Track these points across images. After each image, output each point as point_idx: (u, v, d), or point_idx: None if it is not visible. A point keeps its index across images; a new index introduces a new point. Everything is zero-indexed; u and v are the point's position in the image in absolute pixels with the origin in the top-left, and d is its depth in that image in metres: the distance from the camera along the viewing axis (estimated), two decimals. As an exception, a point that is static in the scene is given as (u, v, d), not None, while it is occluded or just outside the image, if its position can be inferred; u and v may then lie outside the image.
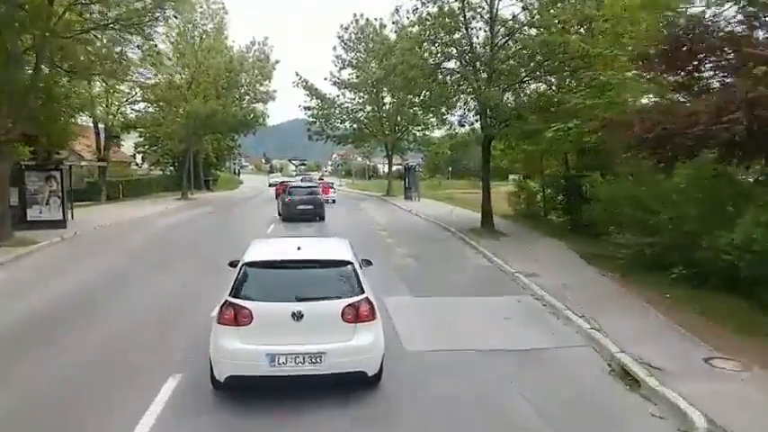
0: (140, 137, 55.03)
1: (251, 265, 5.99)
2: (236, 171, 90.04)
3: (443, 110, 19.74)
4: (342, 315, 5.63)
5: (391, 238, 18.46)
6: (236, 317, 5.53)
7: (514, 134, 18.20)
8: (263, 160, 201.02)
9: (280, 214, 25.26)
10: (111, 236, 19.29)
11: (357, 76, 40.55)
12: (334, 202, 37.95)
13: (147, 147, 55.70)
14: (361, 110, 42.91)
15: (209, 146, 53.57)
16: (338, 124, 43.37)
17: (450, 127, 20.03)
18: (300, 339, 5.49)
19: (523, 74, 17.25)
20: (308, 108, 41.86)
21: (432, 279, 11.87)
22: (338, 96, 42.31)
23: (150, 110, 40.19)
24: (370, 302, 5.80)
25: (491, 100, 16.77)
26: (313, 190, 25.97)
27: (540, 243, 16.44)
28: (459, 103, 18.66)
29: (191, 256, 14.97)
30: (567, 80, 16.28)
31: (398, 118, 41.61)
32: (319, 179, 50.33)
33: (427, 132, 41.95)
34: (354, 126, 43.67)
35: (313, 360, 5.46)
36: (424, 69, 17.73)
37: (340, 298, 5.73)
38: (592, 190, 15.76)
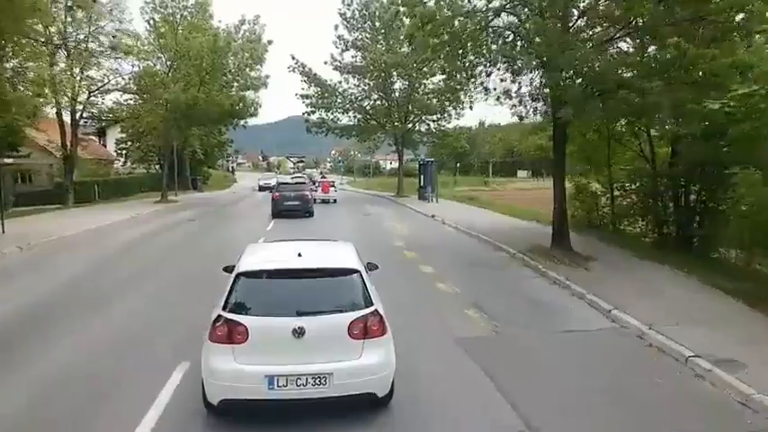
0: (122, 132, 49.88)
1: (246, 275, 5.25)
2: (230, 168, 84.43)
3: (501, 78, 14.04)
4: (349, 331, 4.95)
5: (425, 264, 13.16)
6: (229, 334, 4.87)
7: (616, 111, 12.79)
8: (261, 157, 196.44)
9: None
10: (31, 262, 13.97)
11: (363, 58, 35.15)
12: (335, 201, 33.12)
13: (129, 143, 50.46)
14: (366, 98, 37.51)
15: (197, 141, 48.20)
16: (340, 115, 38.05)
17: (513, 106, 14.25)
18: (303, 359, 4.86)
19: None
20: (306, 97, 36.49)
21: (534, 375, 6.38)
22: (340, 83, 36.97)
23: (128, 100, 34.91)
24: (379, 315, 5.11)
25: (584, 62, 11.33)
26: (300, 186, 26.41)
27: (652, 275, 11.14)
28: (524, 69, 13.05)
29: (129, 310, 9.63)
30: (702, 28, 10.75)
31: (410, 107, 36.26)
32: (321, 176, 45.26)
33: (442, 123, 36.67)
34: (359, 117, 38.29)
35: (317, 382, 4.83)
36: (475, 18, 12.32)
37: (346, 311, 5.03)
38: (740, 191, 10.46)
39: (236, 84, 33.93)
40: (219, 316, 4.99)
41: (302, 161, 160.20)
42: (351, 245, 6.50)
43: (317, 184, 38.13)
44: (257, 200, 38.81)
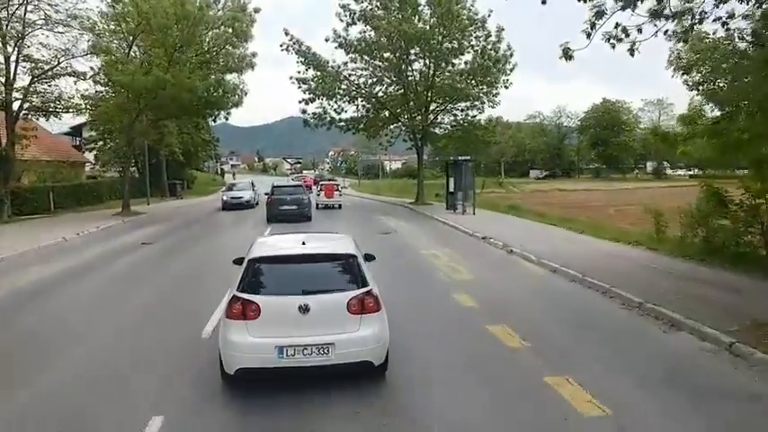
0: (92, 130, 42.85)
1: (257, 260, 5.97)
2: (219, 171, 77.07)
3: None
4: (347, 307, 5.63)
5: (562, 374, 6.05)
6: (244, 311, 5.55)
7: None
8: (256, 158, 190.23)
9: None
10: None
11: (374, 30, 28.05)
12: (339, 207, 29.36)
13: (99, 142, 43.30)
14: (377, 83, 30.44)
15: (175, 138, 41.10)
16: (345, 104, 30.96)
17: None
18: (308, 331, 5.49)
19: None
20: (303, 81, 29.37)
21: None
22: (345, 64, 29.88)
23: (82, 86, 28.02)
24: (374, 294, 5.80)
25: None
26: (297, 190, 25.87)
27: None
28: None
29: None
30: None
31: (430, 94, 29.22)
32: (329, 179, 38.44)
33: (472, 113, 29.65)
34: (368, 106, 31.22)
35: (321, 351, 5.48)
36: None
37: (345, 290, 5.74)
38: None
39: (214, 66, 26.79)
40: (235, 296, 5.65)
41: (299, 162, 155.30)
42: (350, 237, 7.24)
43: (318, 187, 31.91)
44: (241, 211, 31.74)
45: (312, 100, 29.43)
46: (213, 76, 25.51)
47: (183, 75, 24.36)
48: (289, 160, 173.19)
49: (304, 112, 30.31)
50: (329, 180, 41.95)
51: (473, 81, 27.00)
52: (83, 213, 30.25)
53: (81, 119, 35.30)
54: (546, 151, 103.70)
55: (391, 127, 32.36)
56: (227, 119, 30.85)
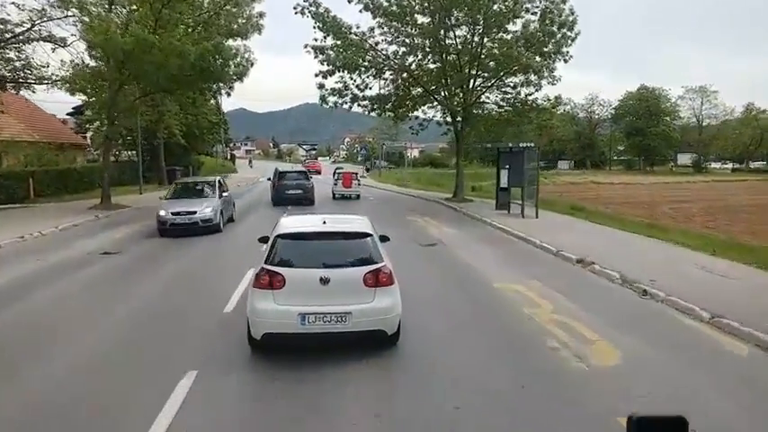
0: (87, 109, 38.31)
1: (283, 237, 6.51)
2: (229, 156, 72.20)
3: None
4: (363, 280, 6.12)
5: None
6: (270, 281, 6.05)
7: None
8: (272, 144, 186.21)
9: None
10: None
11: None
12: (358, 197, 27.57)
13: (93, 122, 38.66)
14: (410, 53, 25.16)
15: (175, 120, 36.26)
16: (370, 78, 25.77)
17: None
18: (327, 301, 6.00)
19: None
20: (320, 50, 24.18)
21: None
22: (372, 31, 24.66)
23: (66, 55, 23.21)
24: (388, 269, 6.28)
25: None
26: (301, 175, 26.59)
27: None
28: None
29: None
30: None
31: (473, 67, 23.90)
32: (352, 172, 34.12)
33: (528, 90, 24.25)
34: (399, 81, 26.00)
35: (339, 319, 5.97)
36: None
37: (361, 265, 6.23)
38: None
39: (212, 28, 21.71)
40: (262, 268, 6.18)
41: (314, 149, 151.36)
42: (366, 218, 7.72)
43: (336, 176, 29.54)
44: (247, 201, 26.81)
45: (331, 73, 24.23)
46: (210, 41, 20.40)
47: (171, 37, 19.38)
48: (304, 147, 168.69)
49: (321, 86, 25.21)
50: (351, 172, 38.36)
51: (531, 50, 21.61)
52: (65, 204, 25.77)
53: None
54: (576, 141, 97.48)
55: (424, 108, 27.13)
56: (228, 94, 25.89)
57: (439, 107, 26.61)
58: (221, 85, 24.47)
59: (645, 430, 1.63)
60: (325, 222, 6.89)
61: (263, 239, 7.40)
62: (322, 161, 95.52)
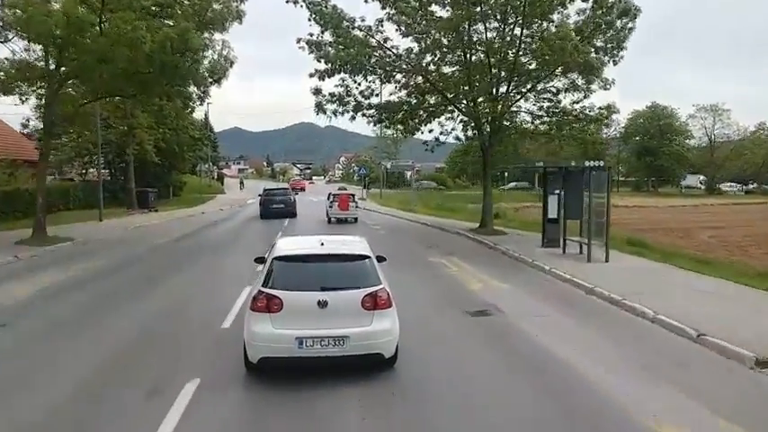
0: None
1: (280, 259, 6.39)
2: (216, 176, 66.98)
3: None
4: (362, 303, 6.03)
5: None
6: (268, 305, 5.94)
7: None
8: (265, 163, 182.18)
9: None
10: None
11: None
12: (355, 221, 26.09)
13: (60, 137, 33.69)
14: (427, 51, 20.47)
15: (144, 133, 31.37)
16: (377, 83, 21.12)
17: None
18: (325, 325, 5.90)
19: None
20: (316, 47, 19.47)
21: None
22: (380, 24, 20.05)
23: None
24: (386, 292, 6.23)
25: None
26: (285, 192, 31.83)
27: None
28: None
29: None
30: None
31: (499, 71, 19.27)
32: (343, 189, 32.37)
33: (575, 96, 19.57)
34: (411, 85, 21.27)
35: (337, 343, 5.88)
36: None
37: (360, 288, 6.13)
38: None
39: (178, 12, 16.92)
40: (260, 291, 6.08)
41: (309, 168, 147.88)
42: (364, 239, 7.54)
43: (331, 198, 27.32)
44: (225, 240, 21.87)
45: (330, 73, 19.44)
46: (172, 26, 15.60)
47: (120, 20, 14.56)
48: (298, 166, 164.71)
49: (317, 92, 20.39)
50: (343, 190, 36.18)
51: (583, 44, 16.92)
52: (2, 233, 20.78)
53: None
54: (580, 160, 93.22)
55: (441, 119, 22.36)
56: (202, 100, 20.95)
57: (459, 119, 21.90)
58: (194, 90, 19.60)
59: None
60: (322, 244, 6.85)
61: (259, 260, 7.44)
62: (317, 180, 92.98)
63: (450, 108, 21.71)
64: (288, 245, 7.16)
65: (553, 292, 11.26)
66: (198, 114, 66.21)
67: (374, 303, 6.08)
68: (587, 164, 13.99)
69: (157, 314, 9.38)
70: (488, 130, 20.54)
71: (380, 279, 6.36)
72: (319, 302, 5.90)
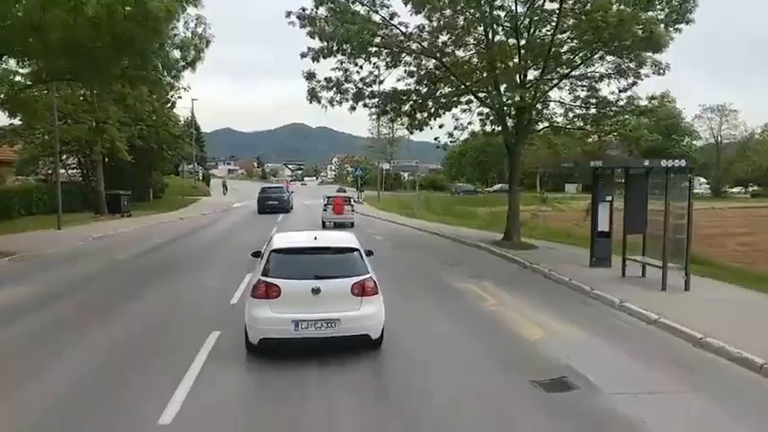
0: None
1: (278, 251, 7.08)
2: (202, 176, 63.31)
3: None
4: (351, 290, 6.75)
5: None
6: (267, 292, 6.64)
7: None
8: (256, 164, 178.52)
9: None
10: None
11: None
12: (351, 225, 23.87)
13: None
14: (442, 30, 17.14)
15: (114, 130, 27.88)
16: (381, 68, 17.78)
17: None
18: (318, 309, 6.58)
19: None
20: (310, 22, 16.12)
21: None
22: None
23: None
24: (373, 281, 6.92)
25: None
26: (279, 190, 36.32)
27: None
28: None
29: None
30: None
31: (527, 53, 16.02)
32: (341, 191, 30.04)
33: (623, 83, 16.31)
34: (425, 69, 17.95)
35: (328, 325, 6.56)
36: None
37: (349, 276, 6.83)
38: None
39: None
40: (260, 279, 6.77)
41: (301, 169, 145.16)
42: (353, 234, 8.34)
43: (326, 201, 25.39)
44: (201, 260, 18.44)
45: (326, 53, 16.11)
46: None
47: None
48: (290, 166, 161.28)
49: (310, 76, 17.04)
50: (342, 192, 34.78)
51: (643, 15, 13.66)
52: None
53: None
54: (585, 160, 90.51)
55: (455, 111, 19.07)
56: (172, 88, 17.51)
57: (477, 110, 18.65)
58: (162, 73, 16.14)
59: None
60: (316, 238, 7.46)
61: (256, 254, 8.24)
62: (309, 181, 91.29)
63: (467, 98, 18.45)
64: (284, 239, 7.77)
65: (644, 342, 7.98)
66: (183, 112, 62.67)
67: (362, 290, 6.77)
68: (665, 163, 10.70)
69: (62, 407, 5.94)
70: (514, 124, 17.25)
71: (368, 269, 7.05)
72: (313, 289, 6.59)
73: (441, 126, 19.99)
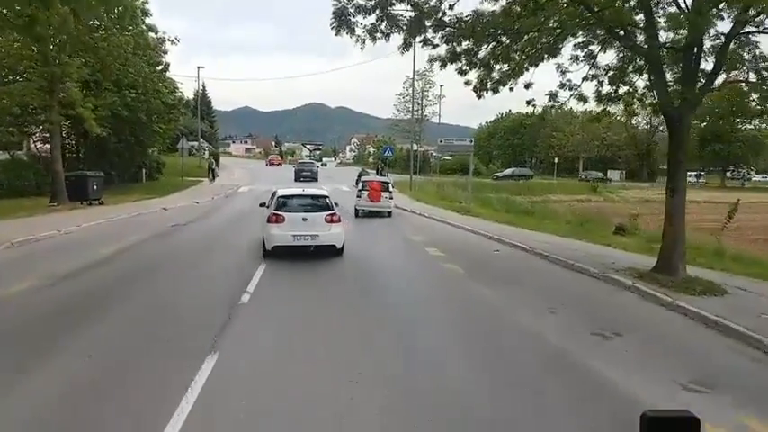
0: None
1: (282, 197, 12.68)
2: (207, 154, 56.35)
3: None
4: (324, 219, 12.25)
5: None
6: (276, 219, 12.04)
7: None
8: (274, 143, 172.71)
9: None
10: None
11: None
12: (389, 215, 21.36)
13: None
14: None
15: (75, 92, 21.26)
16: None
17: None
18: (306, 229, 12.04)
19: None
20: None
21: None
22: None
23: None
24: (337, 215, 12.53)
25: None
26: (311, 164, 51.17)
27: None
28: None
29: None
30: None
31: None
32: (382, 181, 24.04)
33: None
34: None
35: (312, 238, 12.03)
36: None
37: (324, 211, 12.42)
38: None
39: None
40: (273, 212, 12.17)
41: (319, 149, 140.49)
42: (326, 189, 16.03)
43: (361, 186, 22.86)
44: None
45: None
46: None
47: None
48: (308, 146, 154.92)
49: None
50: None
51: None
52: None
53: None
54: (629, 147, 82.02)
55: (560, 60, 12.03)
56: (132, 21, 10.16)
57: (598, 63, 11.56)
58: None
59: (657, 429, 1.60)
60: (303, 190, 14.27)
61: (263, 204, 13.66)
62: (328, 161, 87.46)
63: (584, 38, 11.37)
64: (285, 191, 13.37)
65: None
66: (190, 86, 55.54)
67: (331, 219, 12.28)
68: None
69: None
70: (676, 77, 10.17)
71: (334, 208, 12.57)
72: (303, 218, 12.11)
73: (527, 86, 12.96)
